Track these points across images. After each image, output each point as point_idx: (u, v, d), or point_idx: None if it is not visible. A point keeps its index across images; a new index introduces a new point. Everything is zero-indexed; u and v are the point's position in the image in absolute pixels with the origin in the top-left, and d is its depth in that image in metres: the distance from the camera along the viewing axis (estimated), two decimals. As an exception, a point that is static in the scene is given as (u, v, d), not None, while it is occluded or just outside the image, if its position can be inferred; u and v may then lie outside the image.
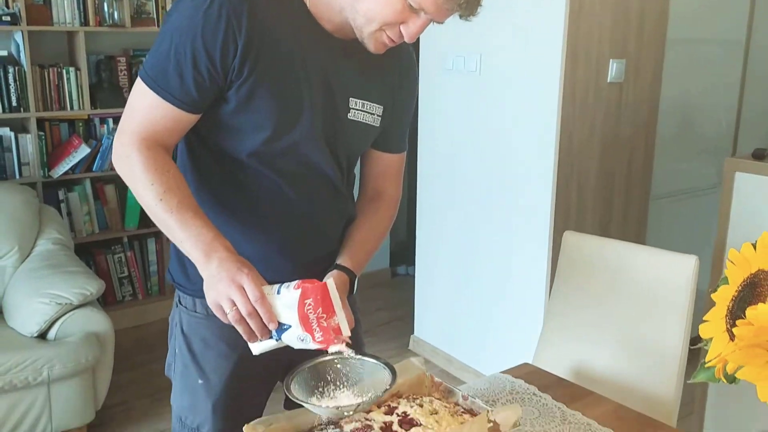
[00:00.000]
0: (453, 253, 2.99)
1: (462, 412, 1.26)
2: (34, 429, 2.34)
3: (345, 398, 1.16)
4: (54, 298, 2.40)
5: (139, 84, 1.09)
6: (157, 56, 1.06)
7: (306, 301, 1.05)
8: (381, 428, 1.19)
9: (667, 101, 2.84)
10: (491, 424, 1.19)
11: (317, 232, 1.26)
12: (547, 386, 1.46)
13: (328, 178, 1.23)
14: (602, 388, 1.53)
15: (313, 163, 1.19)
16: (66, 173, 3.21)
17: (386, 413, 1.23)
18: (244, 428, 1.04)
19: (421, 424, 1.20)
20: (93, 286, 2.48)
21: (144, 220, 3.46)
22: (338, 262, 1.22)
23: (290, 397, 1.09)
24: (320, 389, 1.16)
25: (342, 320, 1.09)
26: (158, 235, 3.57)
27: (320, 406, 1.10)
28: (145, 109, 1.08)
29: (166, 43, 1.05)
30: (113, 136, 1.36)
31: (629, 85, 2.66)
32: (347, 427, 1.17)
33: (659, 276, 1.65)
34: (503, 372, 1.53)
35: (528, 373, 1.52)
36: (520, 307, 2.73)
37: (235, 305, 1.01)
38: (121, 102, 3.10)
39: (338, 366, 1.17)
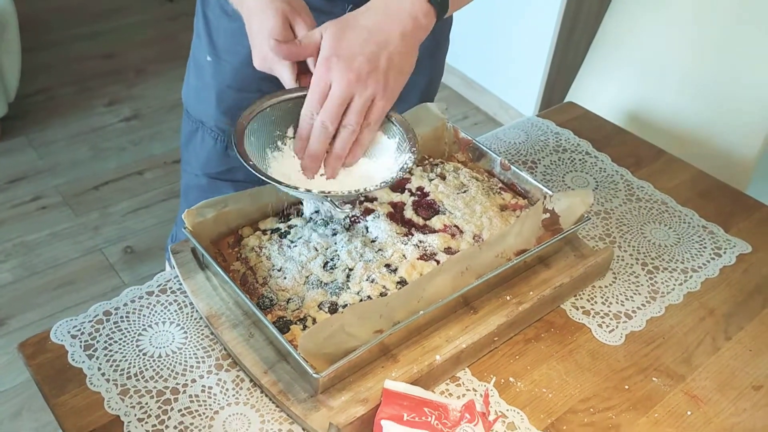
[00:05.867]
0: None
1: (500, 188, 0.88)
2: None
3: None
4: None
5: None
6: None
7: None
8: (389, 214, 0.81)
9: None
10: (547, 215, 0.82)
11: None
12: (604, 141, 1.07)
13: None
14: (664, 140, 1.16)
15: None
16: None
17: (394, 190, 0.84)
18: (183, 215, 0.75)
19: (445, 210, 0.82)
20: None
21: None
22: None
23: (242, 161, 0.69)
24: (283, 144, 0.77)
25: None
26: None
27: (296, 188, 0.69)
28: None
29: None
30: None
31: None
32: (341, 212, 0.78)
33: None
34: (542, 115, 1.12)
35: (576, 119, 1.12)
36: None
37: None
38: None
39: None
